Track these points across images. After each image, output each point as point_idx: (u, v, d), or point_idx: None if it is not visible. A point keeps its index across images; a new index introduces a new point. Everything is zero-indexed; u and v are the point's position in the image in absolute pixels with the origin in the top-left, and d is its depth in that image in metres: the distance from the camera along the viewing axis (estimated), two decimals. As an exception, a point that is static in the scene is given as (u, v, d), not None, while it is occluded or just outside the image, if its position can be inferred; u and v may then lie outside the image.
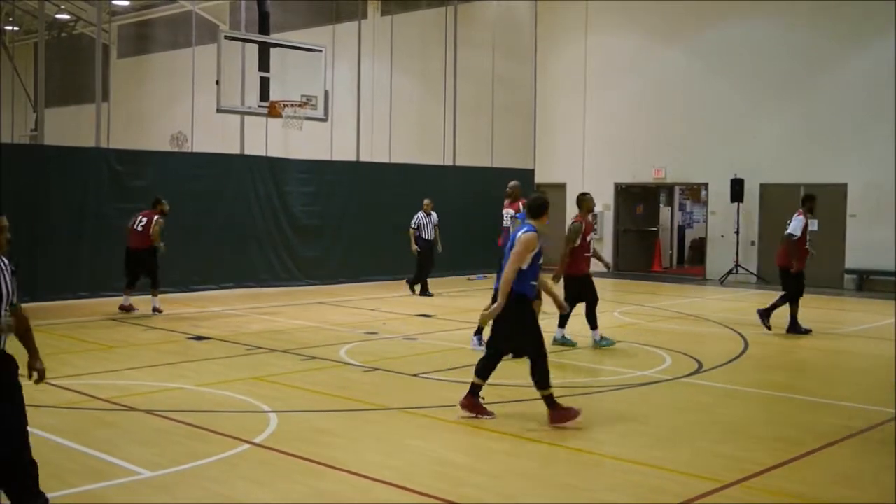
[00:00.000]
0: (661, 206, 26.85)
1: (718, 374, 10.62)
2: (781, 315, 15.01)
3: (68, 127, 30.08)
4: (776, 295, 19.54)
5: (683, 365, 11.07)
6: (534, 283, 8.19)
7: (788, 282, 13.89)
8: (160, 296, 15.47)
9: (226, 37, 18.02)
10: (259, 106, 18.02)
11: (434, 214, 18.87)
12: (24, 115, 35.45)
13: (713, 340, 13.45)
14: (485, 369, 8.29)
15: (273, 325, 14.24)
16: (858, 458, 7.34)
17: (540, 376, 8.03)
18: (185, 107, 28.89)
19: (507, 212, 16.24)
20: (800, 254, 13.86)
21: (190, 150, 28.03)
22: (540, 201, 8.42)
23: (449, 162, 24.16)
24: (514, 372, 10.68)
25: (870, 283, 20.61)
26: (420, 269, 18.84)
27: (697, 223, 27.78)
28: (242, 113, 19.54)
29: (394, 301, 17.71)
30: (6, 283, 5.05)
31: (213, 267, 18.40)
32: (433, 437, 7.65)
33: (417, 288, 18.85)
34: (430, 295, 18.45)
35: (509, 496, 6.18)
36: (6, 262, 5.16)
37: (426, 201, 18.89)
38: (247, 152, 20.72)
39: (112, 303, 15.65)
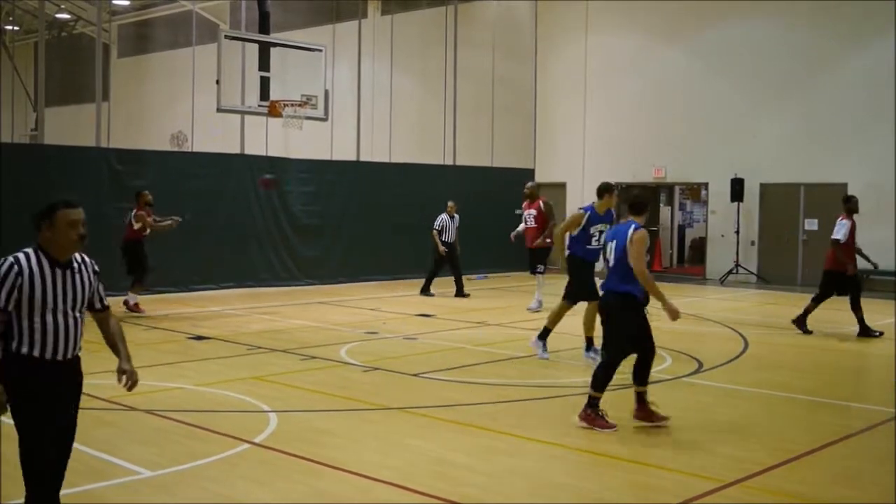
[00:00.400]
0: (661, 205, 26.85)
1: (718, 374, 10.62)
2: (781, 315, 15.03)
3: (68, 127, 30.09)
4: (776, 295, 19.64)
5: (683, 364, 11.06)
6: None
7: (841, 284, 13.81)
8: (143, 295, 15.41)
9: (226, 36, 18.03)
10: (259, 105, 18.03)
11: (457, 217, 18.78)
12: (24, 114, 35.47)
13: (713, 340, 13.45)
14: (603, 382, 8.03)
15: (273, 324, 14.24)
16: (858, 458, 7.35)
17: (645, 371, 7.97)
18: (185, 106, 28.90)
19: (529, 212, 16.46)
20: (849, 256, 13.79)
21: (190, 150, 28.02)
22: (642, 198, 8.30)
23: (449, 162, 24.17)
24: (512, 371, 10.70)
25: (869, 283, 20.56)
26: (434, 269, 18.72)
27: (697, 223, 27.79)
28: (242, 112, 19.55)
29: (394, 301, 17.71)
30: (82, 283, 4.75)
31: (213, 267, 18.39)
32: (433, 436, 7.64)
33: (446, 288, 18.71)
34: (431, 295, 18.42)
35: (509, 496, 6.18)
36: (87, 259, 4.85)
37: (450, 203, 18.76)
38: (247, 152, 20.73)
39: (112, 302, 15.62)
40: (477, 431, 7.78)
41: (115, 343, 5.00)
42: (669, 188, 26.55)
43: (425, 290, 18.58)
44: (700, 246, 25.94)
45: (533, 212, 16.47)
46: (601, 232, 10.85)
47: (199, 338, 12.70)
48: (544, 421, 8.20)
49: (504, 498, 6.13)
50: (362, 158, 22.49)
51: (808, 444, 7.53)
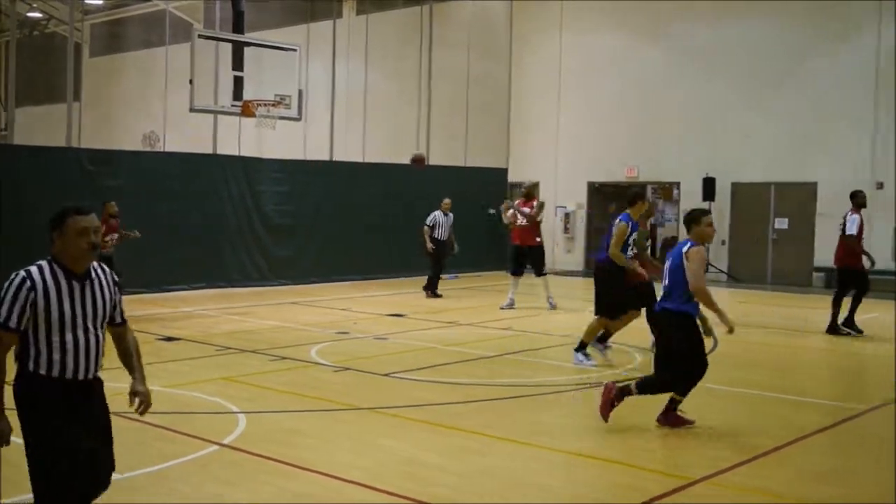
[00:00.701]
0: (634, 205, 26.95)
1: (688, 373, 10.66)
2: (751, 313, 15.11)
3: (39, 127, 29.82)
4: (746, 293, 19.77)
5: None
6: (697, 301, 7.90)
7: (854, 280, 13.93)
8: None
9: (200, 36, 18.00)
10: (232, 105, 17.99)
11: (451, 215, 18.69)
12: (-5, 114, 35.15)
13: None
14: (676, 385, 8.02)
15: (244, 325, 14.19)
16: (825, 454, 7.43)
17: (689, 385, 7.93)
18: (157, 106, 28.77)
19: (523, 210, 16.53)
20: (859, 250, 13.90)
21: (162, 150, 27.87)
22: (692, 214, 8.10)
23: (423, 161, 24.19)
24: (483, 371, 10.74)
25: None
26: (432, 270, 18.57)
27: (669, 222, 27.89)
28: (216, 112, 19.49)
29: (365, 301, 17.69)
30: (102, 296, 4.44)
31: (184, 267, 18.25)
32: (404, 436, 7.66)
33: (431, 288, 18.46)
34: (439, 296, 18.18)
35: (480, 496, 6.19)
36: (105, 271, 4.53)
37: (445, 200, 18.67)
38: (220, 152, 20.66)
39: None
40: (448, 431, 7.80)
41: (130, 360, 4.71)
42: (642, 187, 26.66)
43: (431, 291, 18.25)
44: (671, 245, 25.99)
45: (527, 210, 16.56)
46: (634, 241, 10.89)
47: (170, 339, 12.64)
48: (515, 420, 8.24)
49: (475, 498, 6.15)
50: (336, 158, 22.45)
51: (777, 441, 7.61)
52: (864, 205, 14.11)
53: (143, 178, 17.56)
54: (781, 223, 22.04)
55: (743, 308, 17.38)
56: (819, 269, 21.30)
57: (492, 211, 24.05)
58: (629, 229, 10.79)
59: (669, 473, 6.70)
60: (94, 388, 4.51)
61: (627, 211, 11.03)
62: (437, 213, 18.57)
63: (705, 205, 22.50)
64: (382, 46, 27.45)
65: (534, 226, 16.50)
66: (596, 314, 11.09)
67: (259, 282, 19.58)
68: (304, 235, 20.47)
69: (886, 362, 11.76)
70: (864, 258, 14.04)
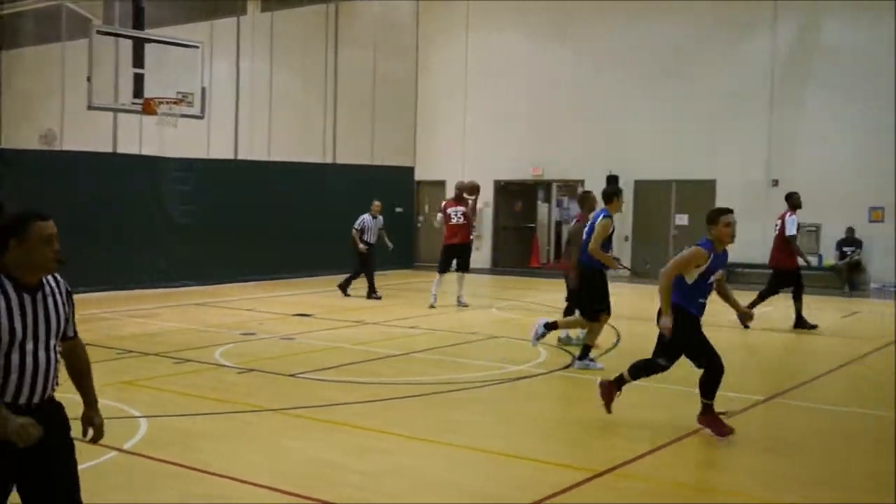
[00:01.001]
0: (539, 202, 27.29)
1: (593, 368, 10.81)
2: (653, 308, 15.35)
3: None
4: (648, 289, 20.13)
5: (558, 359, 11.28)
6: (702, 300, 7.75)
7: (790, 279, 14.33)
8: None
9: (98, 31, 17.58)
10: (133, 103, 17.63)
11: (380, 218, 18.48)
12: None
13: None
14: (640, 372, 8.11)
15: (147, 327, 13.89)
16: (729, 444, 7.56)
17: (707, 385, 7.76)
18: (55, 104, 27.96)
19: (458, 209, 16.58)
20: (796, 250, 14.35)
21: (60, 149, 27.11)
22: (711, 214, 7.82)
23: (329, 160, 24.03)
24: (389, 370, 10.72)
25: (737, 276, 21.33)
26: (355, 272, 18.32)
27: (574, 219, 28.29)
28: (115, 110, 19.05)
29: (272, 301, 17.49)
30: (56, 309, 3.95)
31: (86, 269, 17.65)
32: (309, 437, 7.58)
33: (350, 290, 18.26)
34: (379, 297, 17.83)
35: (387, 495, 6.16)
36: (59, 281, 4.05)
37: (376, 203, 18.42)
38: (120, 150, 20.19)
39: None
40: (354, 431, 7.75)
41: (82, 381, 4.27)
42: (547, 185, 27.00)
43: (371, 294, 17.92)
44: (576, 242, 26.46)
45: (462, 209, 16.64)
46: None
47: (69, 342, 12.28)
48: (423, 418, 8.23)
49: (382, 497, 6.12)
50: (240, 157, 22.15)
51: (676, 432, 7.76)
52: (798, 206, 14.58)
53: (39, 177, 17.03)
54: (682, 219, 22.55)
55: (644, 303, 17.67)
56: (719, 264, 21.81)
57: (399, 209, 24.06)
58: (612, 226, 10.73)
59: (577, 467, 6.76)
60: (50, 412, 3.98)
61: (605, 207, 10.88)
62: (366, 217, 18.37)
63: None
64: (288, 44, 27.20)
65: (468, 223, 16.66)
66: (584, 318, 10.98)
67: (163, 283, 19.16)
68: (209, 235, 20.08)
69: (789, 354, 12.12)
70: (801, 259, 14.61)
